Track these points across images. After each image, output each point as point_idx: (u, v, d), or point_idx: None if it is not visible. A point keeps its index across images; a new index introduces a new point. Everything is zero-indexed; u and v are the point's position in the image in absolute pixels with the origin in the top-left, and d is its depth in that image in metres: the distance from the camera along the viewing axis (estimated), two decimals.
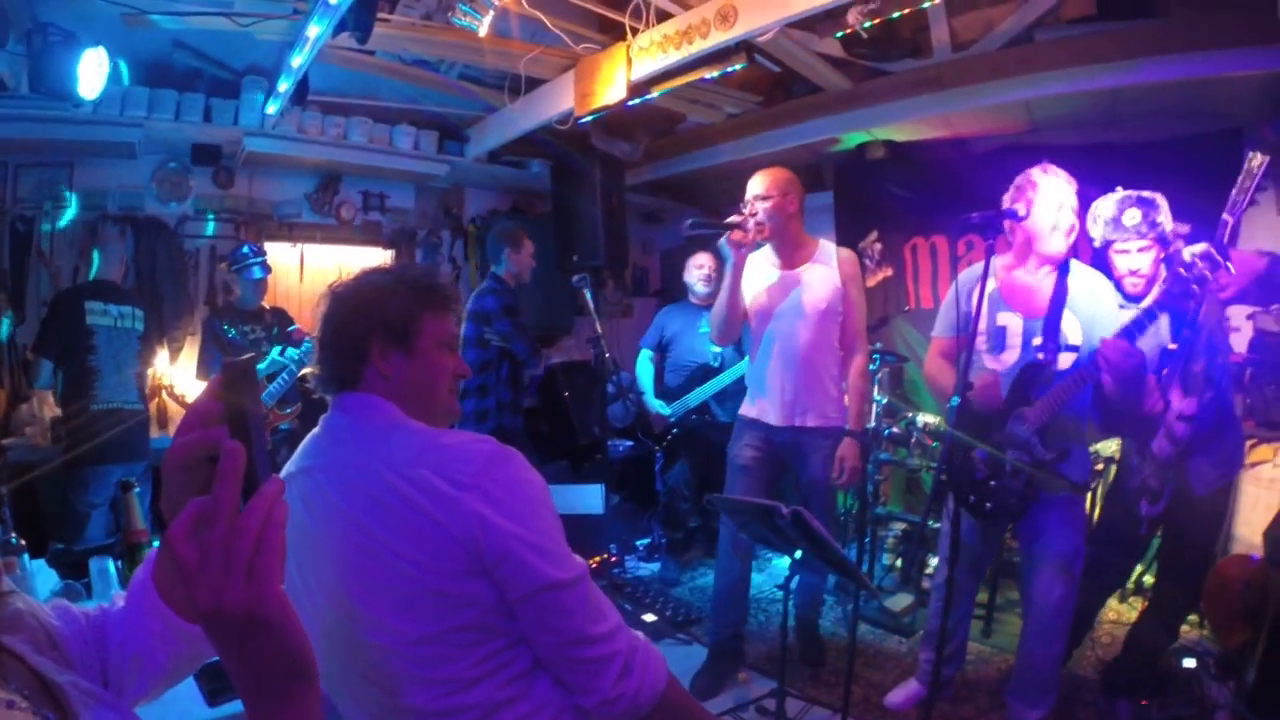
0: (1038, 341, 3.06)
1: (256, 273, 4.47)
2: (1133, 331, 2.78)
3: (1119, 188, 3.22)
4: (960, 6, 4.03)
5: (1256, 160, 2.63)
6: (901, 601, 4.53)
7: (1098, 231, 3.25)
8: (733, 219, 3.40)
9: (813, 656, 3.94)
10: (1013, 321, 3.15)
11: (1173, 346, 3.06)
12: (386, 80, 4.69)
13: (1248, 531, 3.89)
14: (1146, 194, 3.15)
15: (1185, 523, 3.26)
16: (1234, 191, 2.67)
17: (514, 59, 4.31)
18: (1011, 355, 3.13)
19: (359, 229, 5.56)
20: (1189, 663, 3.51)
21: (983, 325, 3.09)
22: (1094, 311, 3.02)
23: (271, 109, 4.49)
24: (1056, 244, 3.03)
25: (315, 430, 1.60)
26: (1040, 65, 4.18)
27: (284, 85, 4.09)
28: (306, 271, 5.53)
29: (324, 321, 1.62)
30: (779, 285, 3.60)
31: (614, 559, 5.04)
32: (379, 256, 5.80)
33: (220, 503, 0.74)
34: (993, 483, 3.03)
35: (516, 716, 1.44)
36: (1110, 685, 3.46)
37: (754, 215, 3.44)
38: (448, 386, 1.66)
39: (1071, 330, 3.03)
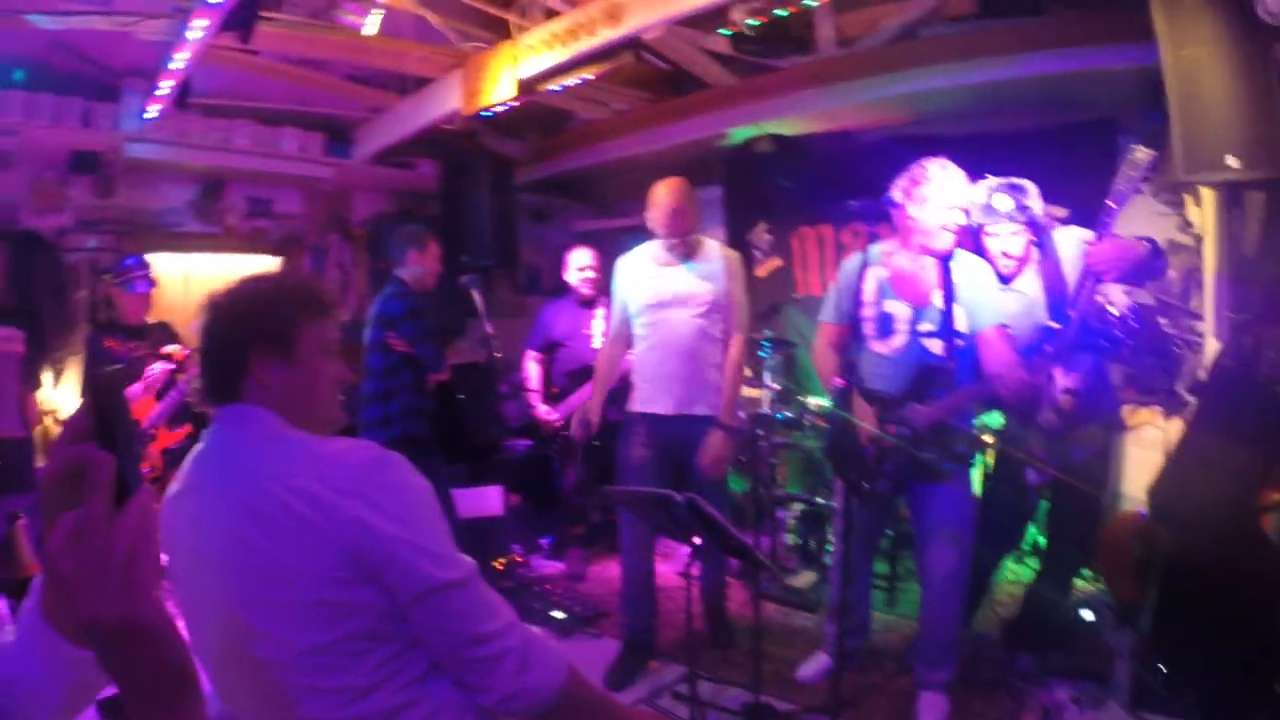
0: (925, 328, 3.20)
1: (141, 286, 4.28)
2: (1035, 362, 2.97)
3: (989, 175, 3.37)
4: (846, 4, 4.16)
5: (1141, 153, 2.83)
6: (805, 579, 4.68)
7: (971, 216, 3.36)
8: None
9: (722, 639, 4.03)
10: (900, 309, 3.27)
11: (1056, 326, 3.22)
12: (271, 81, 4.55)
13: (1135, 490, 4.15)
14: (1016, 180, 3.31)
15: (1070, 487, 3.47)
16: (1117, 181, 2.87)
17: (401, 58, 4.25)
18: (899, 340, 3.27)
19: (245, 236, 5.38)
20: (1088, 615, 3.74)
21: (870, 312, 3.25)
22: (976, 300, 3.19)
23: (151, 112, 4.31)
24: (944, 241, 3.17)
25: (198, 446, 1.57)
26: (924, 60, 4.36)
27: (165, 88, 3.93)
28: (192, 283, 5.32)
29: (203, 333, 1.59)
30: (666, 280, 3.72)
31: (519, 559, 5.03)
32: (266, 264, 5.62)
33: (92, 514, 0.75)
34: (880, 461, 3.16)
35: None
36: (1012, 642, 3.67)
37: (665, 227, 3.70)
38: (330, 393, 1.65)
39: (959, 319, 3.18)
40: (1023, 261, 3.41)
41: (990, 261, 3.42)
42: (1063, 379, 3.24)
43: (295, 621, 1.38)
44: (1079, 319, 3.06)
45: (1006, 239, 3.35)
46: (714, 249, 3.79)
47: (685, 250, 3.76)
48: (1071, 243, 3.35)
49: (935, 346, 3.21)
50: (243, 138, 4.90)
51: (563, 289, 5.44)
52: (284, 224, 5.56)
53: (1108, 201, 2.95)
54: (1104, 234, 2.98)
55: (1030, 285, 3.43)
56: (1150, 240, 3.08)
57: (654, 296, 3.73)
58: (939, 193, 3.14)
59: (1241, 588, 2.86)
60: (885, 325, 3.30)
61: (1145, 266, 3.08)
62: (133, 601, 0.75)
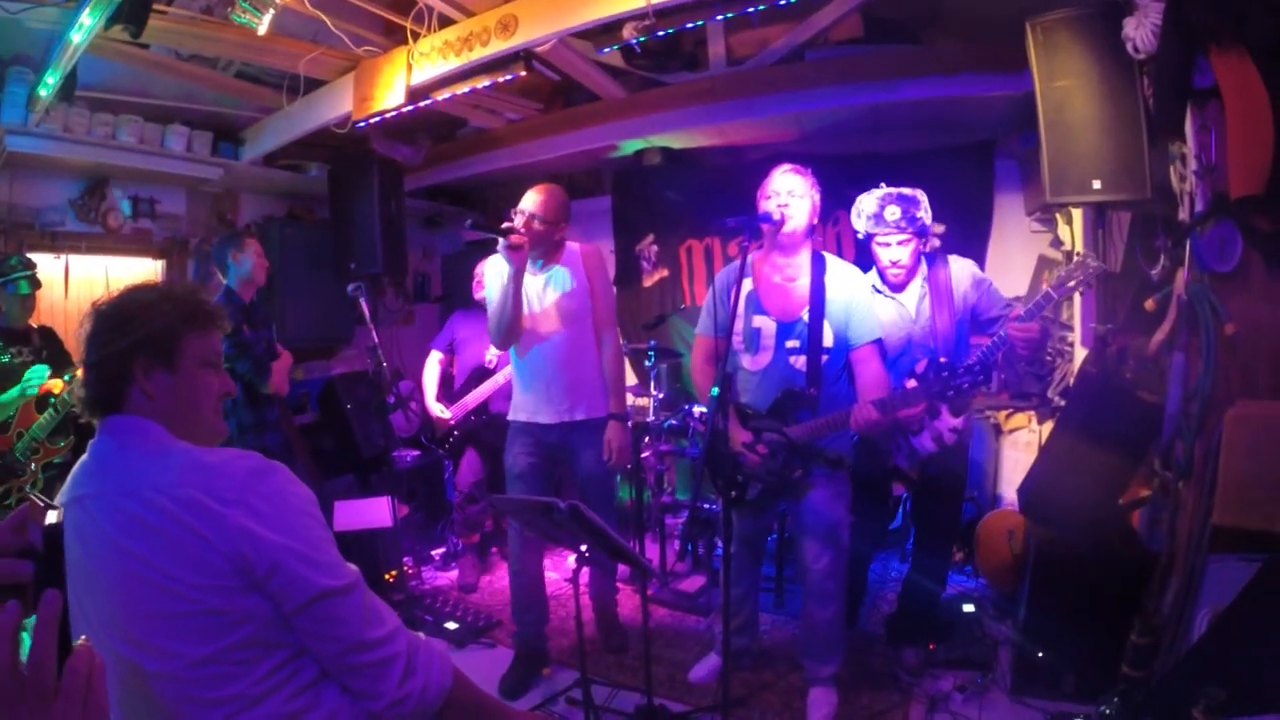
0: (791, 344, 3.28)
1: (24, 287, 4.01)
2: (893, 398, 3.08)
3: (882, 184, 3.48)
4: (737, 24, 4.27)
5: (1092, 261, 3.09)
6: (695, 583, 4.76)
7: (861, 225, 3.50)
8: (509, 225, 3.47)
9: (614, 643, 4.06)
10: (766, 324, 3.34)
11: (932, 346, 3.43)
12: (160, 77, 4.36)
13: (1009, 489, 4.40)
14: (907, 191, 3.43)
15: (934, 493, 3.65)
16: (1063, 276, 3.12)
17: (294, 59, 4.15)
18: (766, 356, 3.34)
19: (128, 237, 5.11)
20: (968, 608, 3.92)
21: (740, 326, 3.32)
22: (850, 316, 3.26)
23: (37, 104, 4.05)
24: (775, 218, 3.19)
25: (83, 457, 1.54)
26: (810, 82, 4.52)
27: (51, 79, 3.72)
28: (72, 284, 5.02)
29: (88, 342, 1.57)
30: (535, 289, 3.70)
31: (411, 571, 4.95)
32: (149, 267, 5.37)
33: (42, 648, 0.80)
34: (757, 467, 3.24)
35: None
36: (895, 636, 3.82)
37: (529, 225, 3.55)
38: (213, 406, 1.65)
39: (826, 335, 3.26)
40: (911, 271, 3.50)
41: (880, 270, 3.54)
42: (951, 419, 3.41)
43: (183, 633, 1.37)
44: (965, 362, 3.22)
45: (896, 248, 3.43)
46: (573, 251, 3.77)
47: (546, 258, 3.74)
48: (964, 275, 3.52)
49: (800, 363, 3.29)
50: (128, 134, 4.65)
51: (456, 297, 5.40)
52: (168, 225, 5.31)
53: (1048, 289, 3.14)
54: (1035, 315, 3.13)
55: (912, 299, 3.54)
56: (1044, 328, 3.26)
57: (524, 307, 3.71)
58: (769, 187, 3.25)
59: (1107, 577, 3.07)
60: (753, 340, 3.37)
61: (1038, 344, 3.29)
62: None
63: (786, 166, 3.28)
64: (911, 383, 3.38)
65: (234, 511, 1.38)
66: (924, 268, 3.54)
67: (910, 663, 3.64)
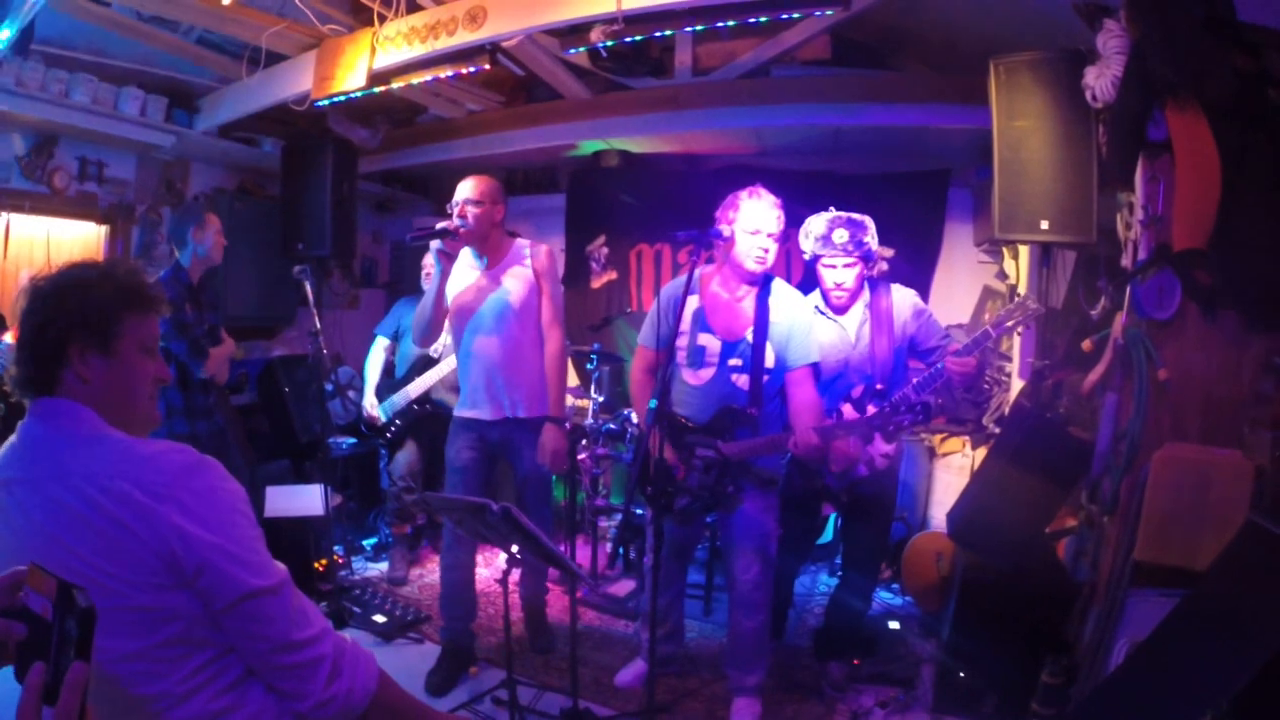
0: (734, 363, 3.31)
1: None
2: (829, 430, 3.13)
3: (831, 207, 3.52)
4: (705, 36, 4.30)
5: (1031, 303, 3.21)
6: (625, 587, 4.77)
7: (808, 246, 3.52)
8: (444, 224, 3.45)
9: (542, 644, 4.06)
10: (711, 342, 3.36)
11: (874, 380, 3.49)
12: (119, 37, 4.23)
13: (940, 512, 4.47)
14: (856, 216, 3.46)
15: (863, 512, 3.70)
16: (1003, 315, 3.25)
17: (257, 30, 4.06)
18: (708, 373, 3.36)
19: (73, 200, 4.93)
20: (894, 625, 3.99)
21: (685, 341, 3.34)
22: (791, 339, 3.30)
23: None
24: (749, 265, 3.26)
25: (12, 439, 1.50)
26: (773, 98, 4.59)
27: (7, 31, 3.58)
28: (12, 244, 4.82)
29: (23, 319, 1.50)
30: (480, 286, 3.68)
31: (340, 560, 4.88)
32: (92, 231, 5.19)
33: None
34: (689, 479, 3.29)
35: None
36: (821, 650, 3.85)
37: (464, 217, 3.51)
38: (148, 392, 1.61)
39: (768, 356, 3.30)
40: (854, 295, 3.53)
41: (824, 292, 3.58)
42: (883, 445, 3.49)
43: (111, 627, 1.32)
44: (900, 394, 3.34)
45: (841, 271, 3.46)
46: (521, 248, 3.74)
47: (490, 252, 3.72)
48: (905, 305, 3.57)
49: (742, 382, 3.32)
50: (81, 93, 4.49)
51: (404, 283, 5.34)
52: (115, 190, 5.14)
53: (987, 328, 3.25)
54: (975, 351, 3.22)
55: (853, 323, 3.58)
56: (981, 361, 3.37)
57: (466, 299, 3.69)
58: (747, 219, 3.24)
59: (1031, 603, 3.16)
60: (697, 356, 3.39)
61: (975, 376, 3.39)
62: None
63: (766, 196, 3.28)
64: (848, 408, 3.45)
65: (165, 507, 1.36)
66: (866, 293, 3.59)
67: (835, 677, 3.69)
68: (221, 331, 4.18)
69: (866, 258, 3.49)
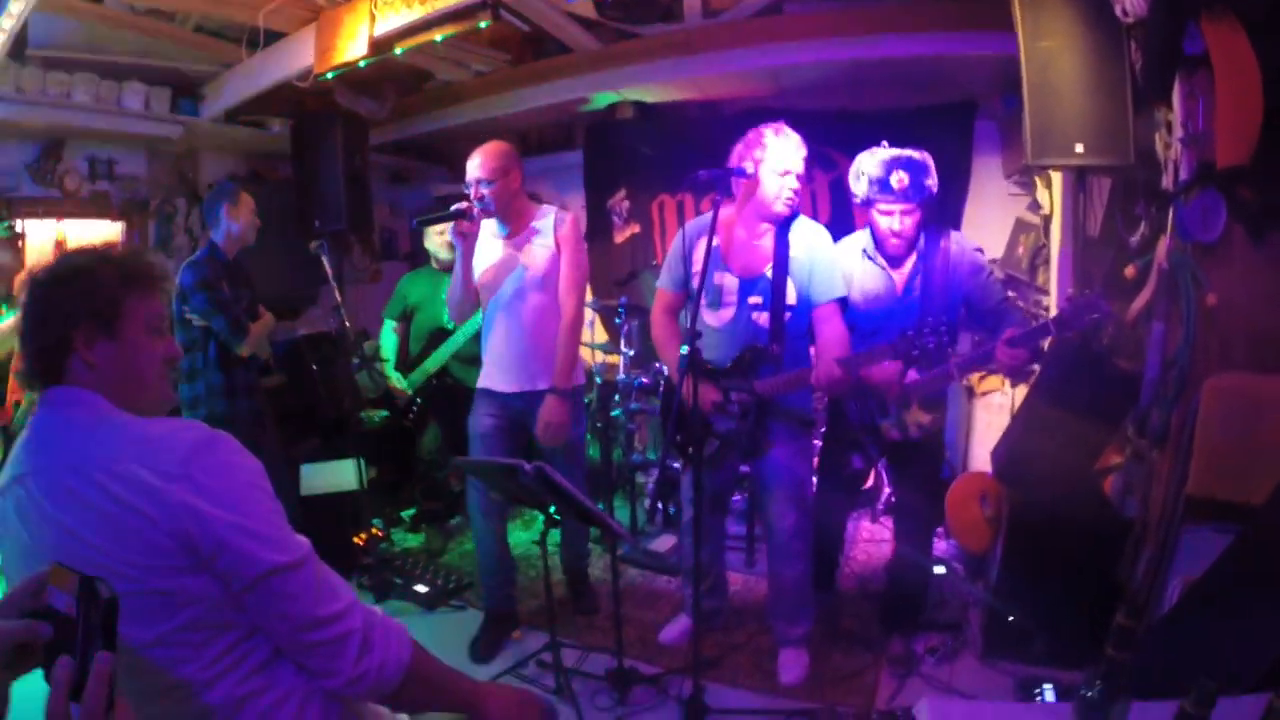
0: (754, 300, 3.23)
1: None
2: (851, 360, 3.02)
3: (884, 142, 3.24)
4: None
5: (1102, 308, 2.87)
6: (666, 543, 4.75)
7: (860, 189, 3.23)
8: (458, 206, 3.39)
9: (585, 605, 4.06)
10: (729, 281, 3.28)
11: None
12: (115, 32, 4.17)
13: (982, 451, 4.38)
14: (915, 155, 3.16)
15: (908, 465, 3.60)
16: (1073, 321, 2.88)
17: (253, 10, 4.00)
18: (728, 313, 3.28)
19: (86, 200, 4.94)
20: (939, 570, 3.91)
21: (702, 281, 3.23)
22: (814, 274, 3.21)
23: None
24: (778, 208, 3.16)
25: (24, 433, 1.48)
26: (788, 35, 4.45)
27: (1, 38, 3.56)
28: (29, 251, 4.84)
29: (25, 312, 1.49)
30: (502, 256, 3.61)
31: (380, 534, 4.90)
32: (109, 230, 5.20)
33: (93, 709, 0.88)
34: (718, 425, 3.23)
35: (262, 709, 1.41)
36: (885, 621, 3.68)
37: (480, 199, 3.44)
38: (159, 373, 1.58)
39: (789, 293, 3.21)
40: (912, 244, 3.28)
41: (878, 238, 3.33)
42: (920, 415, 3.32)
43: (131, 615, 1.30)
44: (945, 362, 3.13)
45: (899, 218, 3.18)
46: (546, 217, 3.64)
47: (512, 221, 3.63)
48: (965, 259, 3.28)
49: (763, 320, 3.23)
50: (84, 93, 4.46)
51: (422, 255, 5.28)
52: (127, 187, 5.14)
53: (1049, 321, 2.93)
54: (1029, 343, 2.92)
55: (903, 275, 3.34)
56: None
57: (488, 272, 3.62)
58: (774, 158, 3.12)
59: (1080, 543, 3.08)
60: (716, 296, 3.30)
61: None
62: None
63: (792, 135, 3.16)
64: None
65: (177, 487, 1.32)
66: (921, 241, 3.30)
67: (895, 652, 3.52)
68: (260, 308, 4.18)
69: (928, 201, 3.18)
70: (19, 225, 3.98)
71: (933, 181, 3.17)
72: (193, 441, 1.39)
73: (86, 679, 0.89)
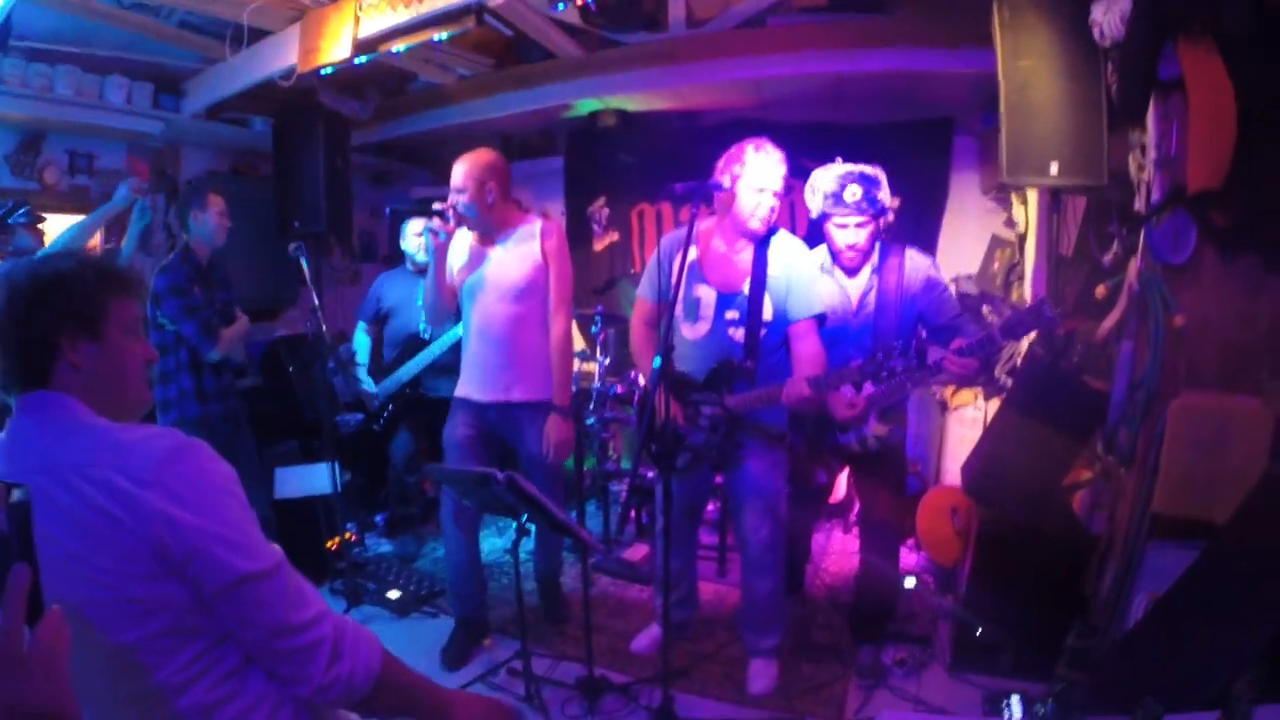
0: (730, 315, 3.24)
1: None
2: (821, 380, 3.02)
3: (839, 159, 3.29)
4: None
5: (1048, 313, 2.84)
6: (639, 551, 4.76)
7: (815, 204, 3.27)
8: (437, 205, 3.40)
9: (557, 613, 4.05)
10: (706, 294, 3.28)
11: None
12: (99, 25, 4.14)
13: (954, 465, 4.40)
14: (869, 170, 3.21)
15: (870, 476, 3.57)
16: (1016, 326, 2.90)
17: (238, 8, 3.97)
18: (704, 326, 3.29)
19: (65, 194, 4.89)
20: (909, 582, 3.93)
21: (681, 294, 3.19)
22: (792, 290, 3.21)
23: None
24: (753, 225, 3.17)
25: (1, 436, 1.47)
26: (770, 48, 4.48)
27: None
28: None
29: (5, 315, 1.45)
30: (479, 263, 3.59)
31: (353, 538, 4.87)
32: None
33: (12, 616, 0.89)
34: (692, 437, 3.23)
35: (233, 715, 1.41)
36: (855, 632, 3.67)
37: (454, 208, 3.43)
38: (138, 374, 1.58)
39: (766, 309, 3.22)
40: (866, 255, 3.31)
41: (834, 252, 3.36)
42: (876, 426, 3.33)
43: (104, 622, 1.32)
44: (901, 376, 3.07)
45: (853, 231, 3.22)
46: (531, 226, 3.61)
47: (494, 230, 3.59)
48: (919, 273, 3.30)
49: (739, 335, 3.24)
50: (65, 86, 4.40)
51: (398, 257, 5.26)
52: (107, 182, 5.08)
53: (994, 332, 2.87)
54: (977, 353, 2.88)
55: (858, 288, 3.38)
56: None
57: (465, 280, 3.60)
58: (752, 175, 3.13)
59: (1049, 557, 3.11)
60: (693, 309, 3.31)
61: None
62: (51, 693, 0.89)
63: (773, 152, 3.15)
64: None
65: (150, 494, 1.32)
66: (876, 257, 3.35)
67: (864, 663, 3.52)
68: (236, 310, 4.15)
69: (880, 214, 3.25)
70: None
71: (885, 194, 3.22)
72: (166, 448, 1.38)
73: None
